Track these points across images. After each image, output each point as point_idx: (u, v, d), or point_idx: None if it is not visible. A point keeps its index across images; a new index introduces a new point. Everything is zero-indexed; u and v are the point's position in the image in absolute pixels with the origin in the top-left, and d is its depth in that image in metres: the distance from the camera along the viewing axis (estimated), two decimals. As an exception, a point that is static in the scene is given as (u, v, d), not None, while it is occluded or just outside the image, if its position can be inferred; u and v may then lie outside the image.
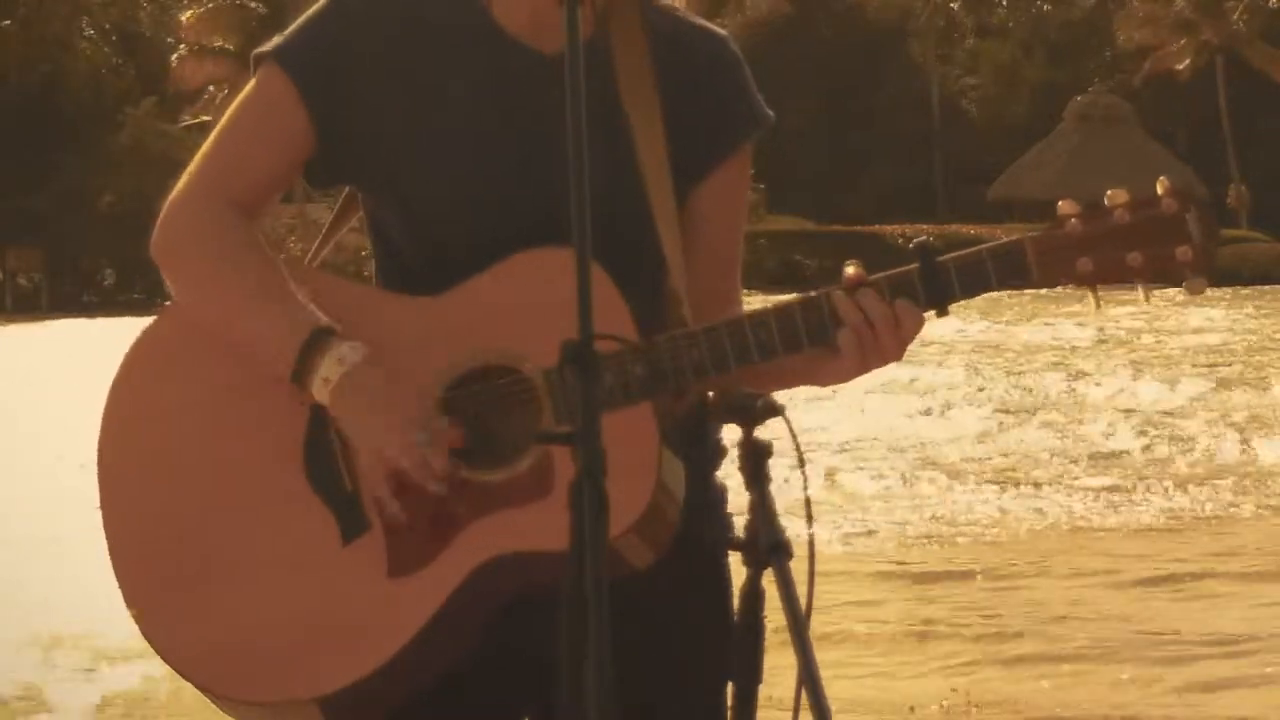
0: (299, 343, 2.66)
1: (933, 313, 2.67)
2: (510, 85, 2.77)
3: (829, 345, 2.65)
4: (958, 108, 73.59)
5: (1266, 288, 45.45)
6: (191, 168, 2.82)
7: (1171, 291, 2.68)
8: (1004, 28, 77.26)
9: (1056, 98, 68.65)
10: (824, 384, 2.75)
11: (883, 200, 66.11)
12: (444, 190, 2.77)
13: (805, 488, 2.54)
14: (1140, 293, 2.67)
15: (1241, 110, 65.47)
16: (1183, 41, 67.62)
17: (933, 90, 71.43)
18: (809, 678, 2.40)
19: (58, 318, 47.65)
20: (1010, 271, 2.65)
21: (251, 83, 2.82)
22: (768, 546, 2.47)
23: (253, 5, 62.68)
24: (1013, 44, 75.54)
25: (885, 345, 2.65)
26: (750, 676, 2.78)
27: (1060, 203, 2.69)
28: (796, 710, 2.41)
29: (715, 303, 2.82)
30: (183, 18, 64.53)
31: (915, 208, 64.10)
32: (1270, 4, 68.80)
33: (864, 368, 2.67)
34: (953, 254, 2.66)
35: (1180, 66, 66.89)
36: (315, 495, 2.69)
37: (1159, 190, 2.66)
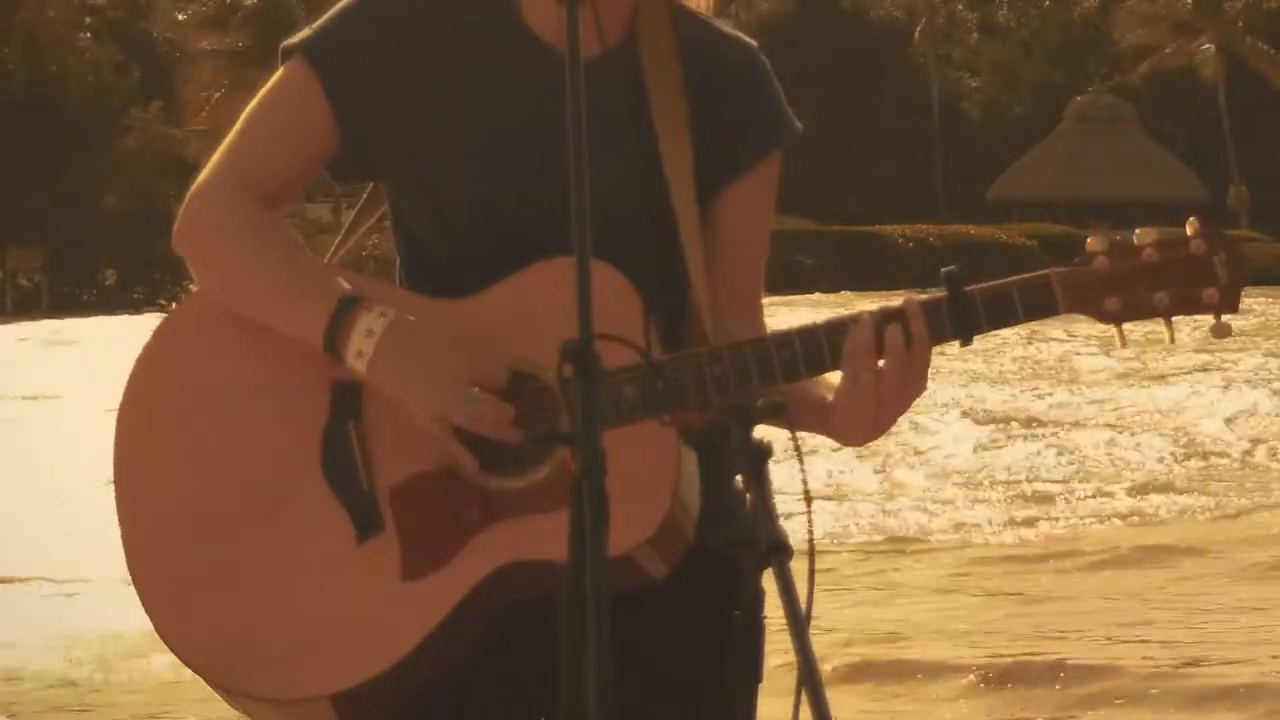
0: (326, 318, 2.66)
1: (957, 342, 2.68)
2: (538, 87, 2.76)
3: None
4: (958, 108, 73.57)
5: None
6: (215, 158, 2.81)
7: None
8: (1005, 28, 77.24)
9: (1056, 98, 68.64)
10: (849, 440, 2.75)
11: (883, 200, 66.13)
12: (468, 189, 2.77)
13: (805, 488, 2.54)
14: (1165, 332, 2.68)
15: (1241, 110, 65.43)
16: (1181, 41, 67.59)
17: (933, 90, 71.41)
18: (809, 678, 2.41)
19: (58, 317, 47.64)
20: (1037, 305, 2.66)
21: (278, 74, 2.82)
22: (768, 547, 2.47)
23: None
24: (1013, 44, 75.52)
25: (910, 377, 2.65)
26: (750, 676, 2.78)
27: (1089, 239, 2.70)
28: (796, 710, 2.41)
29: (736, 313, 2.82)
30: (180, 16, 64.42)
31: (915, 208, 64.10)
32: (1270, 4, 68.77)
33: (890, 407, 2.67)
34: (980, 285, 2.67)
35: (1179, 66, 66.86)
36: (331, 493, 2.69)
37: (1188, 231, 2.67)
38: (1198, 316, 2.68)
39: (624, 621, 2.32)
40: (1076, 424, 19.02)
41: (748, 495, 2.51)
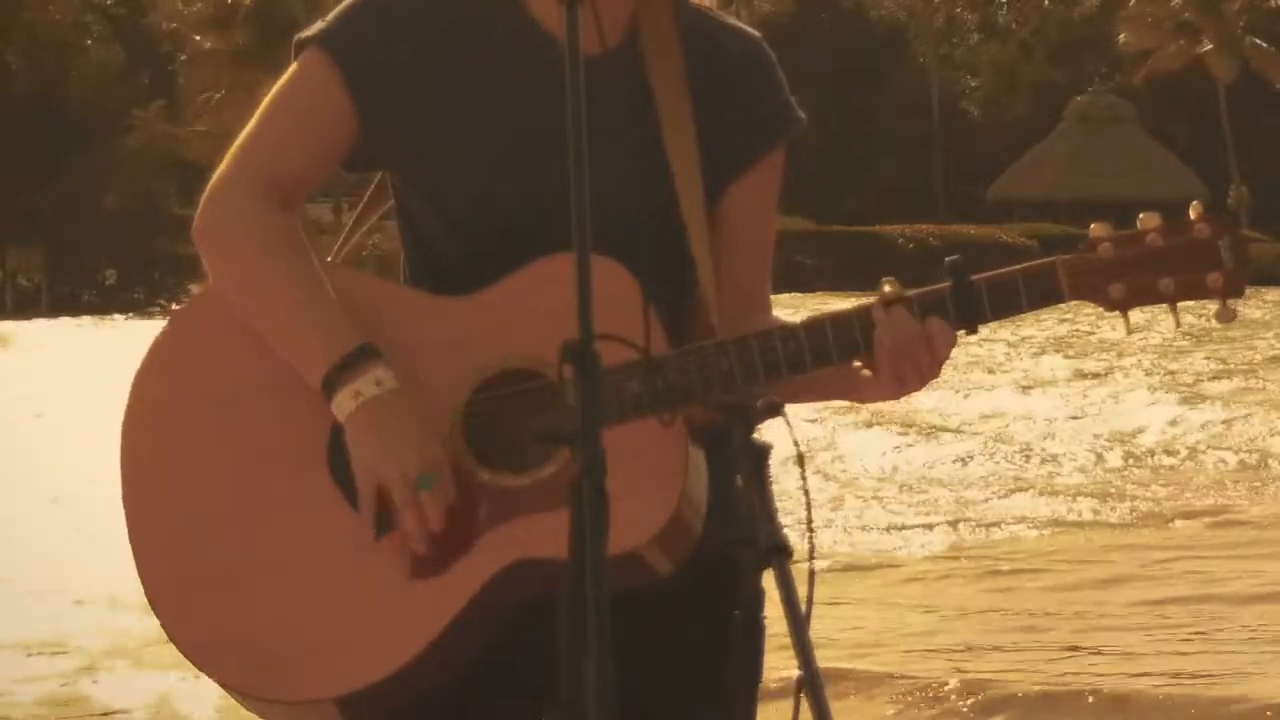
0: (337, 356, 2.66)
1: (963, 332, 2.67)
2: (543, 83, 2.76)
3: (859, 360, 2.66)
4: (958, 108, 73.56)
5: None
6: (233, 151, 2.81)
7: None
8: (1005, 28, 77.24)
9: (1056, 98, 68.62)
10: (864, 401, 2.77)
11: (883, 200, 66.09)
12: (471, 185, 2.78)
13: (805, 488, 2.54)
14: (1171, 318, 2.67)
15: (1241, 110, 65.42)
16: (1181, 42, 67.57)
17: (933, 90, 71.40)
18: (809, 678, 2.41)
19: (58, 317, 47.63)
20: (1042, 293, 2.66)
21: (294, 67, 2.82)
22: (768, 547, 2.47)
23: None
24: (1013, 44, 75.52)
25: (921, 364, 2.66)
26: (750, 676, 2.78)
27: (1093, 225, 2.69)
28: (796, 711, 2.42)
29: (747, 305, 2.83)
30: (181, 5, 64.29)
31: (915, 208, 64.06)
32: (1270, 4, 68.77)
33: (902, 387, 2.69)
34: (985, 274, 2.66)
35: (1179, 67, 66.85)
36: (339, 494, 2.69)
37: (1192, 215, 2.66)
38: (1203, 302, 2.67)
39: (624, 621, 2.32)
40: (1006, 427, 18.73)
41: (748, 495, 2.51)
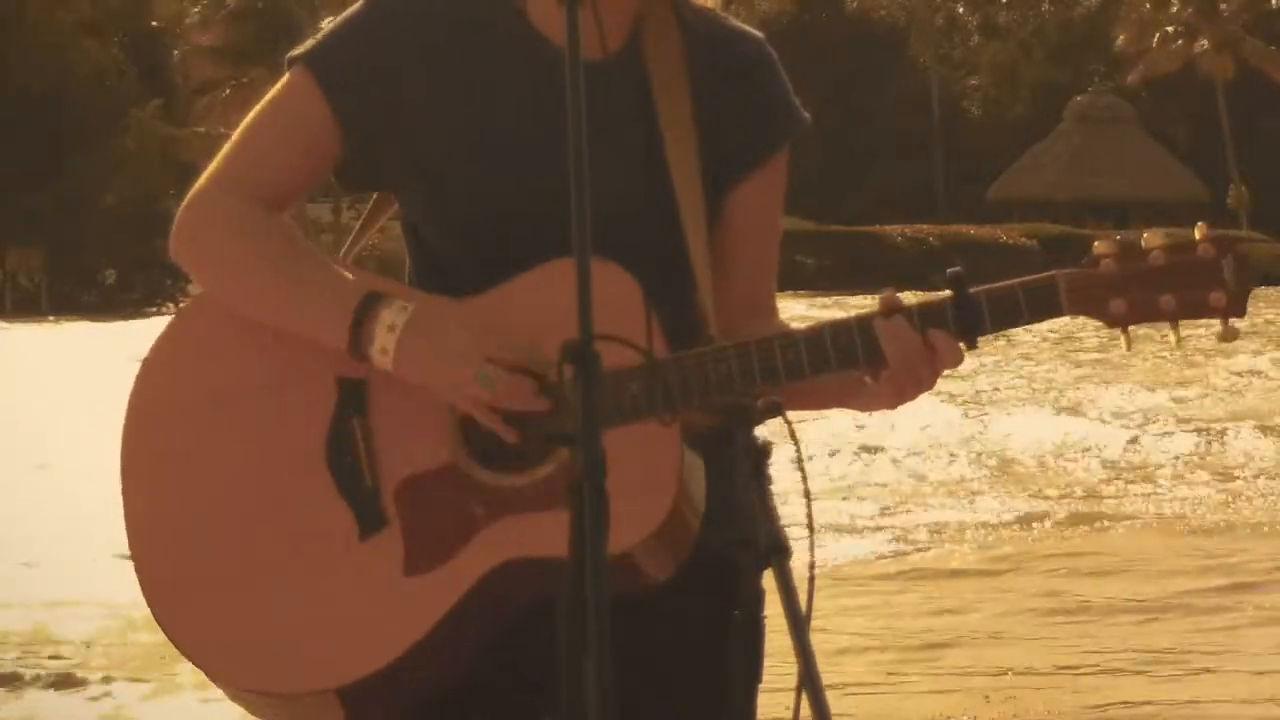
0: (349, 319, 2.67)
1: (962, 344, 2.67)
2: (544, 86, 2.76)
3: (858, 369, 2.66)
4: (958, 108, 73.62)
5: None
6: (213, 165, 2.82)
7: None
8: (1005, 28, 77.30)
9: (1056, 98, 68.68)
10: (862, 410, 2.77)
11: (883, 200, 66.16)
12: (472, 187, 2.78)
13: (805, 488, 2.54)
14: (1172, 335, 2.68)
15: (1241, 110, 65.47)
16: (1180, 43, 67.60)
17: (933, 90, 71.45)
18: (809, 678, 2.41)
19: (58, 318, 47.60)
20: (1042, 307, 2.66)
21: (281, 82, 2.83)
22: (768, 547, 2.47)
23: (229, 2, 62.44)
24: (1013, 44, 75.58)
25: (920, 375, 2.66)
26: (750, 677, 2.78)
27: (1096, 242, 2.69)
28: (796, 710, 2.42)
29: (752, 308, 2.83)
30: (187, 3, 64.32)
31: (915, 208, 64.13)
32: (1268, 5, 68.82)
33: (900, 397, 2.69)
34: (985, 286, 2.66)
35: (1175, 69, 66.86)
36: (336, 490, 2.70)
37: (1197, 235, 2.67)
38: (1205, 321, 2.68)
39: (624, 622, 2.32)
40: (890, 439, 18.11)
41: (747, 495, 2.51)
